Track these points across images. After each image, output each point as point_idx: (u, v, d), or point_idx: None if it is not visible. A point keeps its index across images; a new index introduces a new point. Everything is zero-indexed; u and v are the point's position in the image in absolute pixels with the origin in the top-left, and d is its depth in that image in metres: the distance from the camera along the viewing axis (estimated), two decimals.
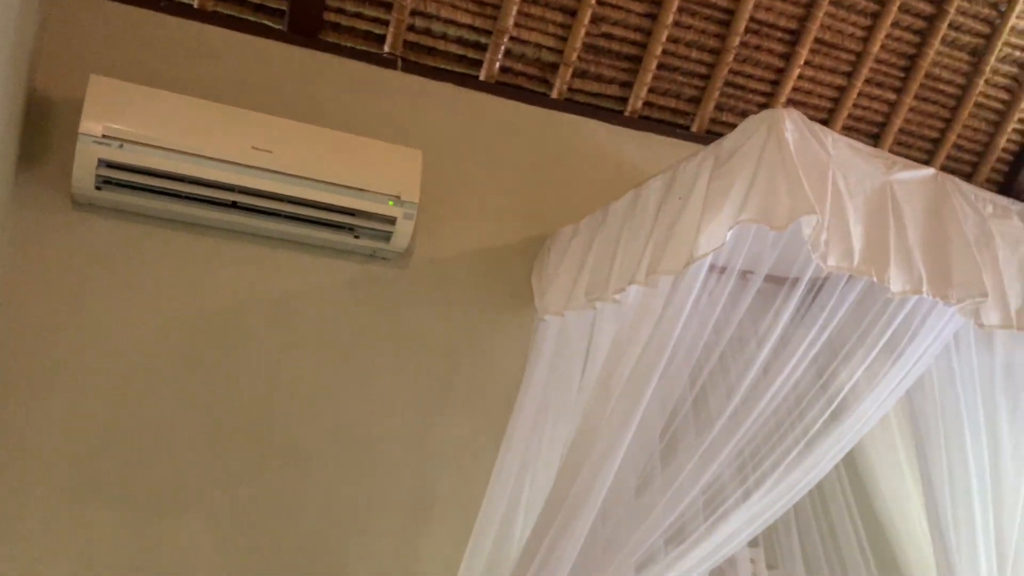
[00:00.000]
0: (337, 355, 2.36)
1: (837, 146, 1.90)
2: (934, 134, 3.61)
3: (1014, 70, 3.57)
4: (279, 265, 2.35)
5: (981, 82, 3.51)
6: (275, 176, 2.20)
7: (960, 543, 2.46)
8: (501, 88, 2.85)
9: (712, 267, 2.02)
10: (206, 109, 2.17)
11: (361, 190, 2.28)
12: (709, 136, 3.13)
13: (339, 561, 2.21)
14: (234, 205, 2.21)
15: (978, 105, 3.59)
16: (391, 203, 2.32)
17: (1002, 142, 3.70)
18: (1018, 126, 3.70)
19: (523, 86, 2.91)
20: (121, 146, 2.03)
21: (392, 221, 2.34)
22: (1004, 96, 3.60)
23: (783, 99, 3.27)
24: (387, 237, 2.37)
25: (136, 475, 2.12)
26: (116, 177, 2.09)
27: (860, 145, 1.97)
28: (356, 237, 2.36)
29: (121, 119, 2.05)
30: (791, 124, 1.83)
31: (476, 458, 2.40)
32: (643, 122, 3.07)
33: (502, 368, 2.53)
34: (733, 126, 3.01)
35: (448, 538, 2.31)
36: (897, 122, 3.49)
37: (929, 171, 2.01)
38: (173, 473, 2.14)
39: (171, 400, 2.18)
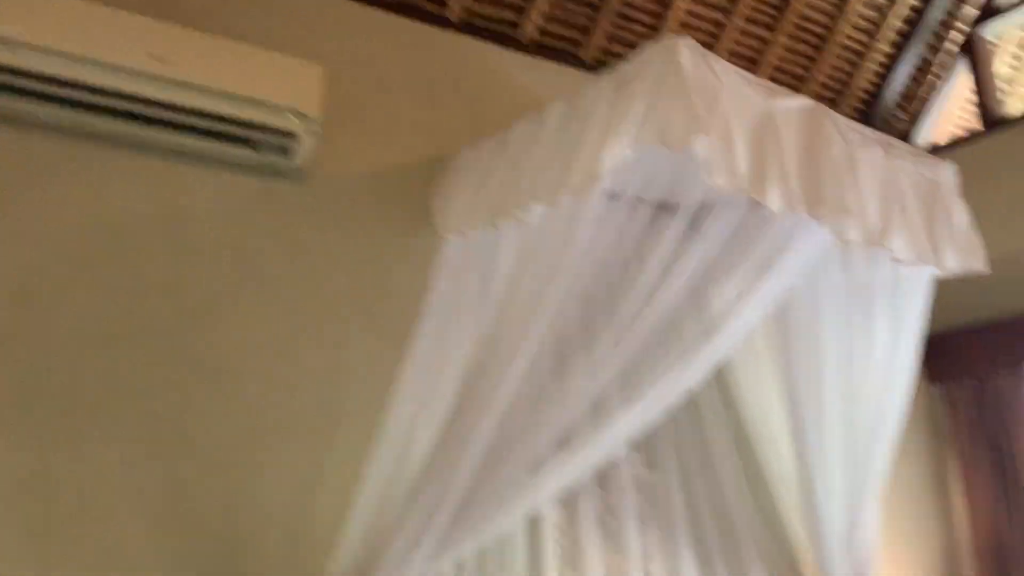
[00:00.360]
0: (239, 270, 2.35)
1: (726, 74, 2.03)
2: (800, 71, 3.85)
3: (874, 14, 3.85)
4: (177, 178, 2.30)
5: (845, 24, 3.77)
6: (171, 85, 2.13)
7: (815, 433, 2.75)
8: (401, 7, 2.84)
9: (608, 194, 2.14)
10: (99, 13, 2.07)
11: (261, 103, 2.25)
12: (599, 66, 3.24)
13: (248, 471, 2.23)
14: (129, 114, 2.14)
15: (841, 46, 3.85)
16: (291, 117, 2.30)
17: (861, 82, 3.99)
18: (875, 67, 4.00)
19: (422, 7, 2.91)
20: (9, 48, 1.93)
21: (293, 136, 2.33)
22: (864, 38, 3.88)
23: (668, 32, 3.41)
24: (287, 152, 2.36)
25: (34, 394, 2.05)
26: (2, 81, 1.98)
27: (746, 74, 2.12)
28: (256, 152, 2.33)
29: (7, 20, 1.93)
30: (687, 52, 1.95)
31: (379, 373, 2.45)
32: (538, 49, 3.13)
33: (404, 286, 2.57)
34: (621, 57, 3.13)
35: (353, 448, 2.36)
36: (769, 58, 3.70)
37: (806, 100, 2.19)
38: (74, 390, 2.09)
39: (67, 316, 2.12)
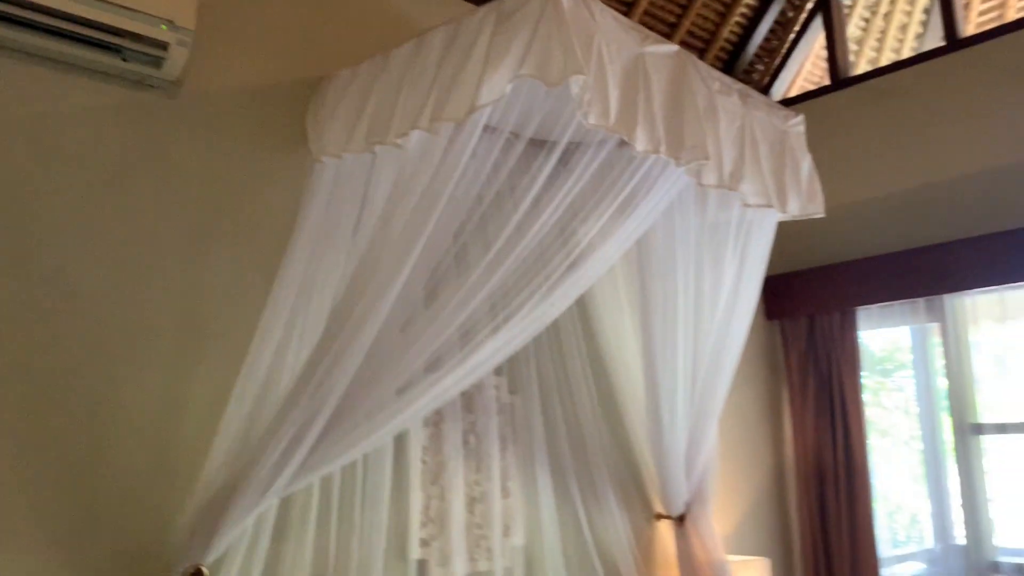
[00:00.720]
0: (101, 182, 2.25)
1: (603, 16, 2.11)
2: (672, 19, 4.00)
3: None
4: (37, 83, 2.17)
5: None
6: None
7: (665, 361, 2.97)
8: None
9: (484, 127, 2.19)
10: None
11: (131, 9, 2.15)
12: None
13: (109, 388, 2.19)
14: None
15: None
16: (164, 27, 2.22)
17: (725, 32, 4.18)
18: (740, 19, 4.19)
19: None
20: None
21: (164, 46, 2.24)
22: None
23: None
24: (158, 63, 2.27)
25: None
26: None
27: (621, 17, 2.20)
28: (124, 60, 2.24)
29: None
30: None
31: (247, 293, 2.44)
32: None
33: (274, 206, 2.55)
34: None
35: (220, 367, 2.35)
36: (642, 3, 3.82)
37: (674, 47, 2.31)
38: None
39: None
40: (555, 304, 2.58)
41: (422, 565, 2.75)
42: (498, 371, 3.02)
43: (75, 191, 2.22)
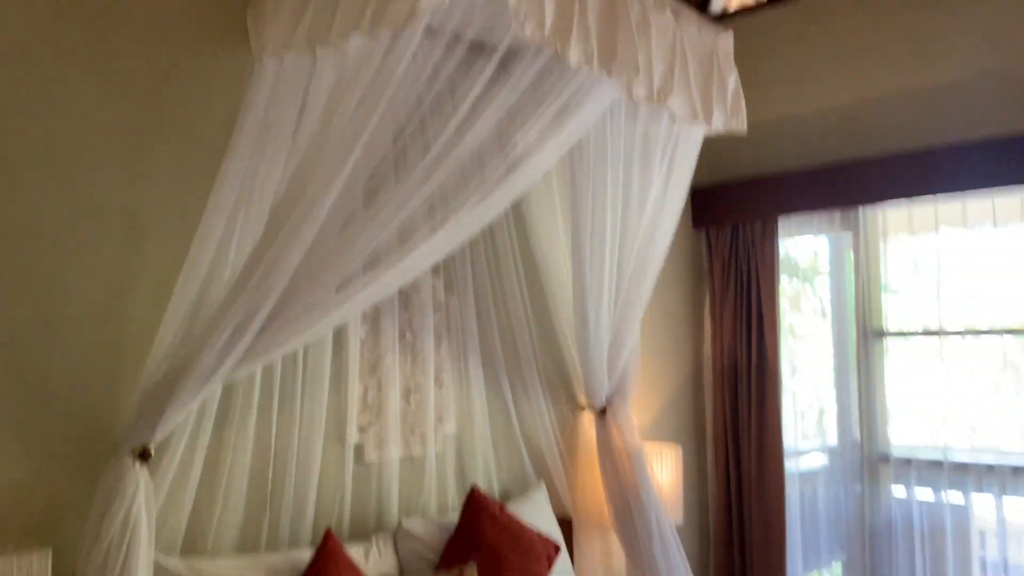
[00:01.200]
0: (35, 72, 2.23)
1: None
2: None
3: None
4: None
5: None
6: None
7: (592, 265, 3.13)
8: None
9: (426, 29, 2.24)
10: None
11: None
12: None
13: (55, 277, 2.25)
14: None
15: None
16: None
17: None
18: None
19: None
20: None
21: None
22: None
23: None
24: None
25: None
26: None
27: None
28: None
29: None
30: None
31: (189, 190, 2.47)
32: None
33: (215, 104, 2.56)
34: None
35: (161, 262, 2.41)
36: None
37: None
38: None
39: None
40: (491, 207, 2.69)
41: (359, 449, 2.93)
42: (435, 271, 3.15)
43: (10, 82, 2.21)
